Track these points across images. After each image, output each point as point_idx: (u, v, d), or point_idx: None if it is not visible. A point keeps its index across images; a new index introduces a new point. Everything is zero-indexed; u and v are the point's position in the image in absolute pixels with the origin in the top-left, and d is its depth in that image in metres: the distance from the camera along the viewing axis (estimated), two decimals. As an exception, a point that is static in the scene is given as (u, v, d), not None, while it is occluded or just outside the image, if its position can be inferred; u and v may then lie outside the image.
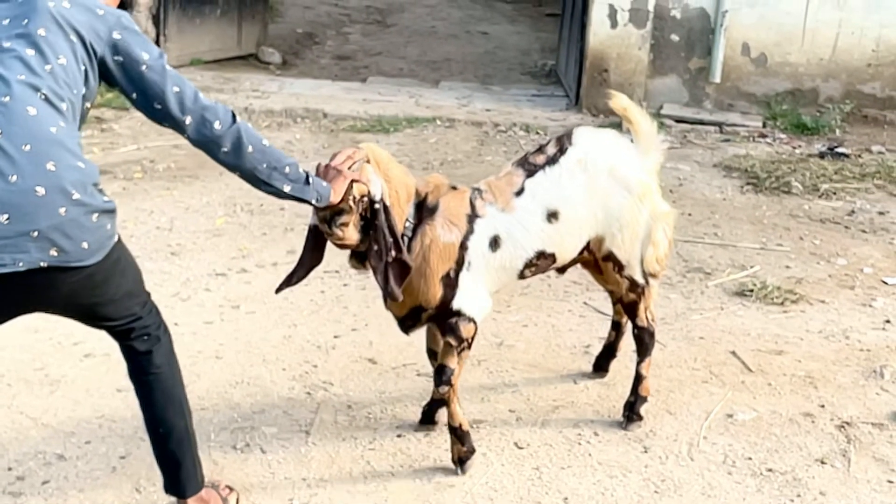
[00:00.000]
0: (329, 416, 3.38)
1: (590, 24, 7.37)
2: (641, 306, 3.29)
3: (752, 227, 5.29)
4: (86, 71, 2.34)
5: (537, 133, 6.94)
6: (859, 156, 6.60)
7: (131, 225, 4.98)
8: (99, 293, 2.42)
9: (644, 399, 3.36)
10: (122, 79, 2.39)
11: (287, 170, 2.53)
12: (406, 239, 2.88)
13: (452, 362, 3.00)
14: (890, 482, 3.12)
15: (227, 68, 8.22)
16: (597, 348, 3.79)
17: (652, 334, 3.35)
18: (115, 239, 2.38)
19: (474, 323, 2.99)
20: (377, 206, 2.76)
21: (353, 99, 7.56)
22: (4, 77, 2.24)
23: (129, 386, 3.44)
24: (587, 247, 3.17)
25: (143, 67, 2.37)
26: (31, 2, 2.33)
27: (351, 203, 2.72)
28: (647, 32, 7.34)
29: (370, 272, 2.89)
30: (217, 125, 2.41)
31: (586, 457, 3.20)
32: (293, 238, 4.93)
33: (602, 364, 3.68)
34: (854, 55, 7.37)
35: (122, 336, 2.59)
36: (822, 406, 3.54)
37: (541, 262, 3.09)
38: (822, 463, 3.20)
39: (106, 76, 2.40)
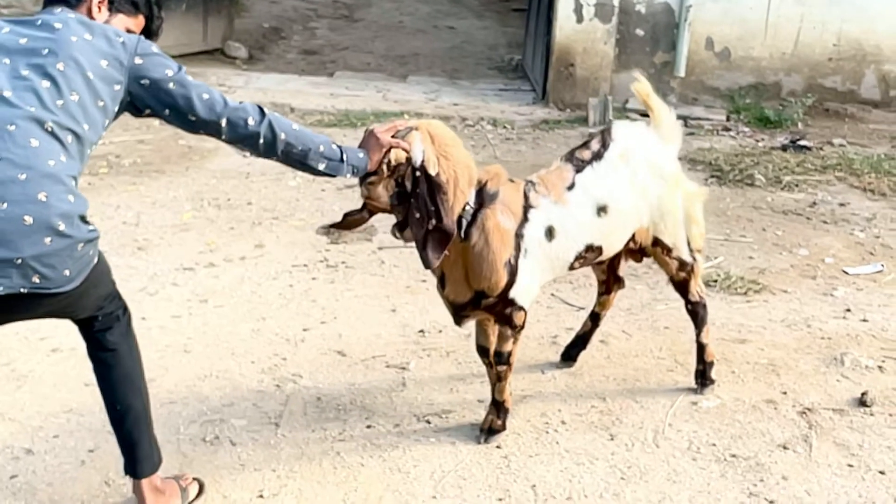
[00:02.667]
0: (298, 408, 3.39)
1: (556, 18, 7.42)
2: (692, 283, 3.45)
3: (716, 219, 5.37)
4: (104, 106, 2.38)
5: (504, 127, 6.98)
6: (821, 148, 6.70)
7: (97, 220, 4.89)
8: (74, 306, 2.48)
9: (711, 364, 3.55)
10: (150, 100, 2.44)
11: (321, 148, 2.61)
12: (465, 222, 2.92)
13: (508, 347, 3.12)
14: (850, 466, 3.18)
15: (193, 63, 8.17)
16: (564, 339, 3.83)
17: (705, 306, 3.51)
18: (96, 261, 2.41)
19: (524, 311, 3.08)
20: (418, 173, 2.78)
21: (321, 93, 7.56)
22: (15, 106, 2.26)
23: (96, 380, 3.46)
24: (632, 238, 3.29)
25: (170, 84, 2.43)
26: (55, 30, 2.38)
27: (384, 167, 2.77)
28: (613, 27, 7.40)
29: (410, 242, 2.92)
30: (250, 121, 2.49)
31: (554, 445, 3.24)
32: (261, 232, 4.93)
33: (572, 353, 3.74)
34: (815, 49, 7.49)
35: (83, 321, 2.63)
36: (785, 393, 3.60)
37: (589, 254, 3.18)
38: (785, 448, 3.26)
39: (134, 102, 2.45)
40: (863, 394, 3.56)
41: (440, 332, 3.97)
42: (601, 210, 3.15)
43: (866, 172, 6.17)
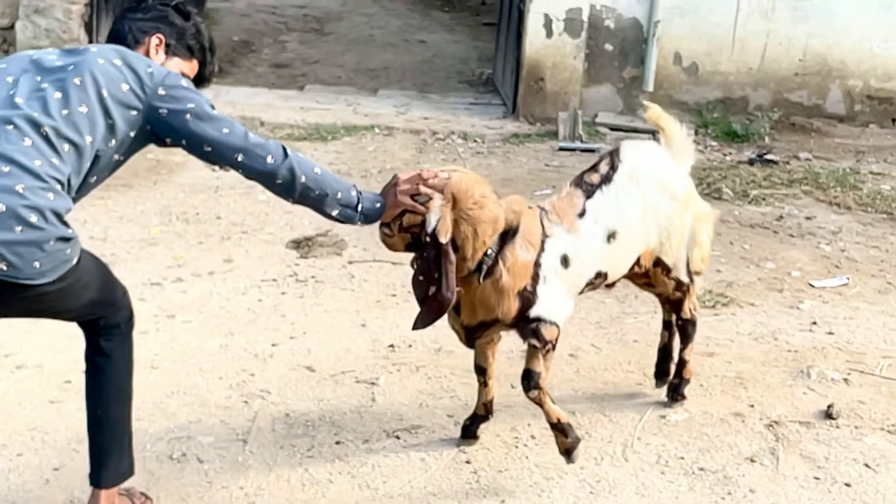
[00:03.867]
0: (267, 425, 3.37)
1: (526, 33, 7.46)
2: (686, 301, 3.45)
3: (684, 233, 5.40)
4: (114, 125, 2.44)
5: (475, 141, 7.00)
6: (787, 162, 6.78)
7: (64, 235, 4.90)
8: (55, 307, 2.51)
9: (687, 381, 3.57)
10: (168, 129, 2.50)
11: (339, 195, 2.64)
12: (485, 268, 2.87)
13: (538, 366, 3.01)
14: (816, 478, 3.21)
15: (162, 76, 8.12)
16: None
17: (694, 324, 3.53)
18: (73, 263, 2.43)
19: (557, 326, 3.02)
20: (428, 239, 2.76)
21: (291, 107, 7.54)
22: (19, 108, 2.37)
23: (61, 397, 3.43)
24: (637, 261, 3.26)
25: (188, 116, 2.49)
26: (87, 52, 2.51)
27: (395, 226, 2.78)
28: (582, 42, 7.46)
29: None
30: (269, 159, 2.54)
31: (523, 459, 3.24)
32: (229, 247, 4.91)
33: (662, 370, 3.67)
34: (782, 64, 7.58)
35: (83, 325, 2.68)
36: (752, 406, 3.63)
37: (597, 280, 3.17)
38: (752, 461, 3.29)
39: (155, 131, 2.51)
40: (829, 406, 3.60)
41: (410, 346, 3.97)
42: (611, 237, 3.12)
43: (832, 186, 6.25)
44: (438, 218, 2.77)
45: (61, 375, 3.54)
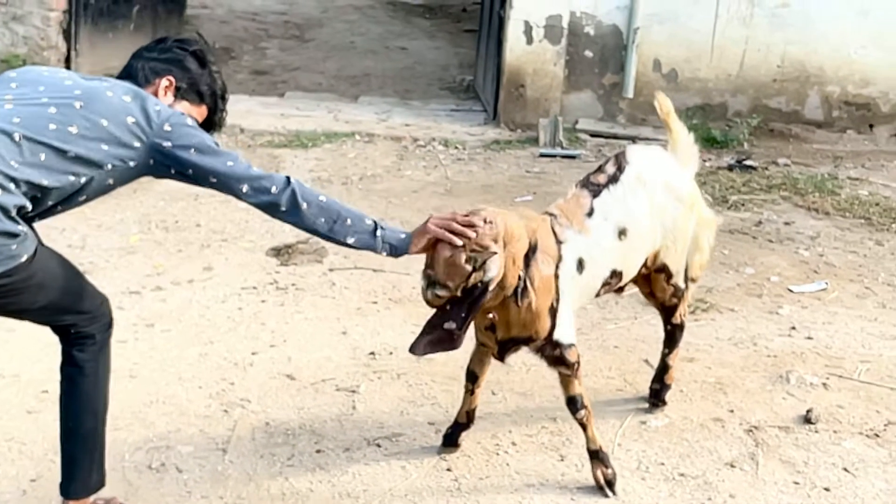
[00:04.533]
0: (246, 434, 3.35)
1: (506, 40, 7.48)
2: (679, 308, 3.45)
3: (664, 239, 5.42)
4: (108, 151, 2.47)
5: (456, 147, 7.01)
6: (766, 168, 6.82)
7: (42, 243, 4.87)
8: (8, 304, 2.51)
9: (669, 387, 3.57)
10: (172, 161, 2.53)
11: (348, 221, 2.65)
12: (520, 290, 2.85)
13: (576, 389, 3.05)
14: (796, 483, 3.22)
15: (142, 83, 8.08)
16: (511, 359, 3.83)
17: (683, 328, 3.53)
18: (22, 260, 2.43)
19: (574, 345, 3.03)
20: (480, 286, 2.71)
21: (271, 114, 7.52)
22: (7, 115, 2.41)
23: (39, 407, 3.40)
24: (644, 262, 3.25)
25: (192, 151, 2.53)
26: (98, 82, 2.58)
27: (455, 287, 2.69)
28: (562, 49, 7.48)
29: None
30: (273, 189, 2.58)
31: (504, 466, 3.24)
32: (209, 255, 4.89)
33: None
34: (760, 71, 7.63)
35: (57, 331, 2.69)
36: (732, 411, 3.64)
37: (613, 280, 3.15)
38: (732, 466, 3.30)
39: (158, 164, 2.54)
40: (808, 411, 3.62)
41: (391, 354, 3.96)
42: (622, 233, 3.11)
43: (810, 192, 6.29)
44: (498, 271, 2.72)
45: (38, 385, 3.51)
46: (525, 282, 2.85)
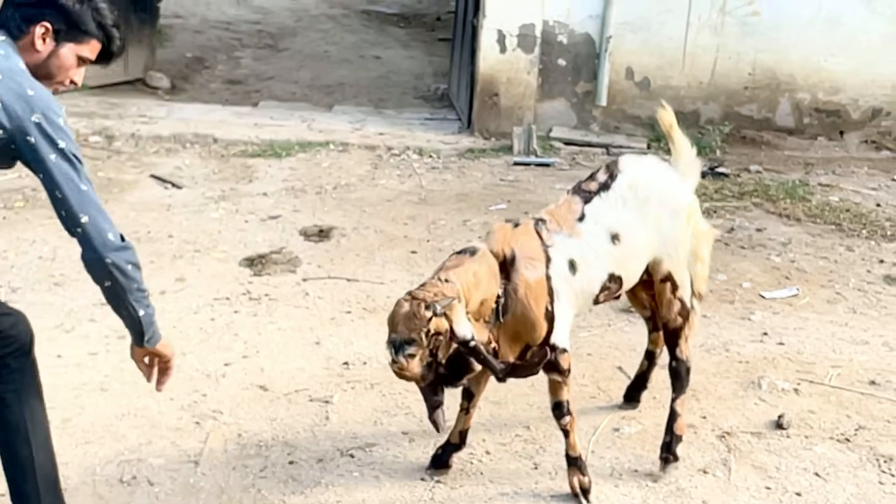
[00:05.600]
0: (219, 446, 3.33)
1: (479, 49, 7.50)
2: (683, 335, 3.31)
3: (637, 246, 5.44)
4: None
5: (430, 156, 7.01)
6: (738, 175, 6.87)
7: (12, 255, 4.83)
8: None
9: (680, 438, 3.29)
10: (30, 158, 2.35)
11: (147, 300, 2.55)
12: (500, 307, 2.88)
13: (564, 395, 3.06)
14: (768, 488, 3.24)
15: (113, 94, 8.04)
16: (488, 368, 3.83)
17: (688, 369, 3.33)
18: None
19: (567, 352, 3.03)
20: (472, 344, 2.71)
21: (245, 123, 7.49)
22: None
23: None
24: (646, 271, 3.23)
25: (52, 155, 2.34)
26: None
27: (423, 335, 2.66)
28: (536, 57, 7.50)
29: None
30: (110, 235, 2.40)
31: (478, 475, 3.24)
32: (182, 265, 4.86)
33: (633, 395, 3.70)
34: (732, 79, 7.68)
35: None
36: (704, 417, 3.66)
37: (612, 285, 3.14)
38: (705, 472, 3.31)
39: (18, 153, 2.37)
40: (779, 416, 3.64)
41: (364, 364, 3.95)
42: (615, 238, 3.10)
43: (782, 198, 6.34)
44: (468, 327, 2.72)
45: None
46: (507, 295, 2.88)
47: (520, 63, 7.50)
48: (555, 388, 3.07)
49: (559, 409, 3.07)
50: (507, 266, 2.92)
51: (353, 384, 3.78)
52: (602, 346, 4.22)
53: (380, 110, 8.37)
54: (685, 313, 3.29)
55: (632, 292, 3.37)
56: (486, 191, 6.33)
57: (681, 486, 3.22)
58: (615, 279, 3.13)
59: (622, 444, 3.45)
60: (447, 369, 2.75)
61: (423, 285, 2.78)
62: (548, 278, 2.96)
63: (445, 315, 2.67)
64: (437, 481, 3.19)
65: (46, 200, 5.95)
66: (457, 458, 3.30)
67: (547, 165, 6.94)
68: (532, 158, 7.03)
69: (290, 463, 3.25)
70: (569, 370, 3.05)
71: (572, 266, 3.02)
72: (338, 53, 10.78)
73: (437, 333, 2.67)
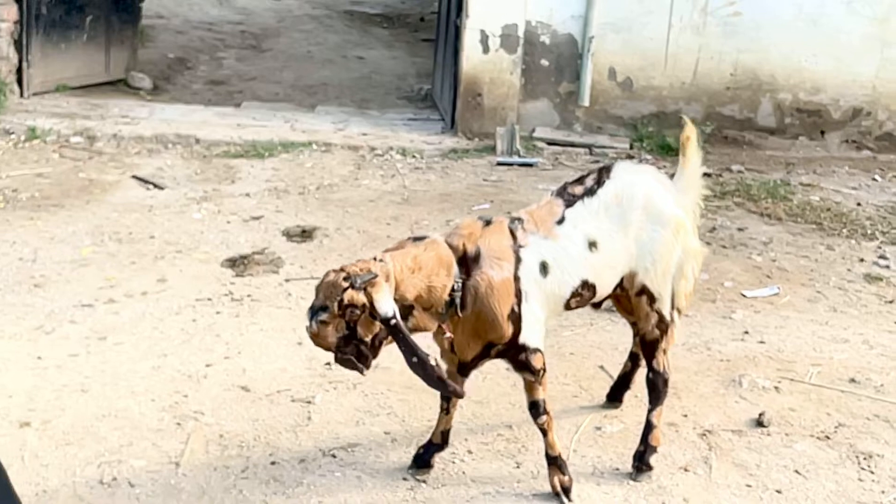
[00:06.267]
0: (200, 447, 3.32)
1: (462, 49, 7.50)
2: (661, 347, 3.28)
3: (620, 245, 5.46)
4: None
5: (413, 156, 7.01)
6: (720, 175, 6.90)
7: (-8, 256, 4.80)
8: None
9: (654, 449, 3.29)
10: None
11: None
12: (457, 300, 2.87)
13: (539, 394, 3.05)
14: (748, 486, 3.26)
15: (95, 94, 8.00)
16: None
17: (666, 381, 3.31)
18: None
19: (540, 351, 3.02)
20: (392, 323, 2.72)
21: (227, 124, 7.47)
22: None
23: None
24: (620, 283, 3.19)
25: None
26: None
27: (335, 304, 2.68)
28: (518, 58, 7.51)
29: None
30: None
31: (460, 475, 3.24)
32: (163, 266, 4.84)
33: (616, 395, 3.69)
34: (714, 79, 7.71)
35: None
36: (685, 415, 3.68)
37: (584, 292, 3.10)
38: (686, 470, 3.33)
39: None
40: (760, 414, 3.66)
41: (347, 364, 3.94)
42: (592, 245, 3.08)
43: (763, 198, 6.37)
44: (391, 302, 2.72)
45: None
46: (465, 289, 2.88)
47: (503, 63, 7.51)
48: (529, 388, 3.08)
49: (535, 409, 3.08)
50: (467, 261, 2.92)
51: (336, 385, 3.78)
52: (584, 345, 4.23)
53: (363, 111, 8.36)
54: (663, 326, 3.26)
55: (616, 299, 3.34)
56: (470, 191, 6.33)
57: (662, 483, 3.24)
58: (588, 286, 3.10)
59: (604, 443, 3.46)
60: (373, 349, 2.78)
61: (357, 261, 2.81)
62: (516, 279, 2.95)
63: (365, 290, 2.68)
64: (420, 481, 3.19)
65: (28, 200, 5.98)
66: (439, 458, 3.30)
67: (530, 165, 6.95)
68: (515, 158, 7.04)
69: (272, 464, 3.24)
70: (543, 370, 3.04)
71: (544, 268, 3.01)
72: (321, 54, 10.77)
73: (352, 305, 2.69)
